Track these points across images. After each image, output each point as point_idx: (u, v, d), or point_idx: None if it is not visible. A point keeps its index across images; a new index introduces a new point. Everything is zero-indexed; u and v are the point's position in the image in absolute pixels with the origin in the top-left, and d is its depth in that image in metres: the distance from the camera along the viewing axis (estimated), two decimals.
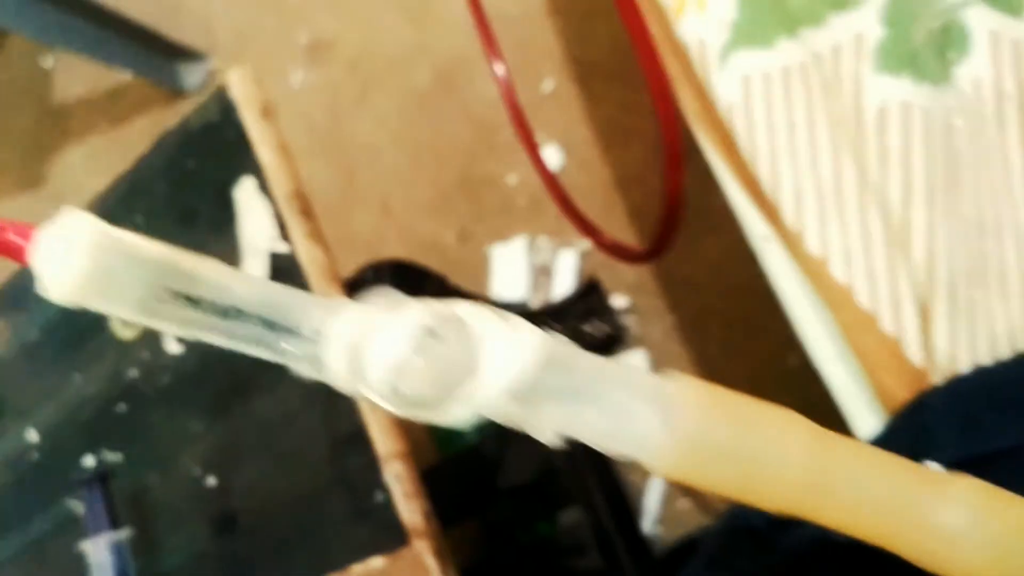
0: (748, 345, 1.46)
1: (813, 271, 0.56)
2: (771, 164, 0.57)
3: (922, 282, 0.53)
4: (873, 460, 0.34)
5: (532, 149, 0.56)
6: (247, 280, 0.35)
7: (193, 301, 0.34)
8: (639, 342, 1.52)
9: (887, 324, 0.54)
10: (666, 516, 1.46)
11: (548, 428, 0.34)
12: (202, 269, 0.34)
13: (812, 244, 0.56)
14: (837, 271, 0.56)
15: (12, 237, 0.33)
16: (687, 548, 0.64)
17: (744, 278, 1.48)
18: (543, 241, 1.61)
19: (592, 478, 1.38)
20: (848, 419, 0.58)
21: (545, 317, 1.53)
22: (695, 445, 0.33)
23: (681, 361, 1.49)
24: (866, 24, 0.57)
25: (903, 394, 0.54)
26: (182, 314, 0.34)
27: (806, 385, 1.41)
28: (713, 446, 0.34)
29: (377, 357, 0.33)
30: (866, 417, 0.57)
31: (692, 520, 1.43)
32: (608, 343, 1.52)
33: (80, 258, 0.31)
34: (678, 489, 1.46)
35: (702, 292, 1.50)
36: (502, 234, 1.63)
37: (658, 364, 1.50)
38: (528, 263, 1.60)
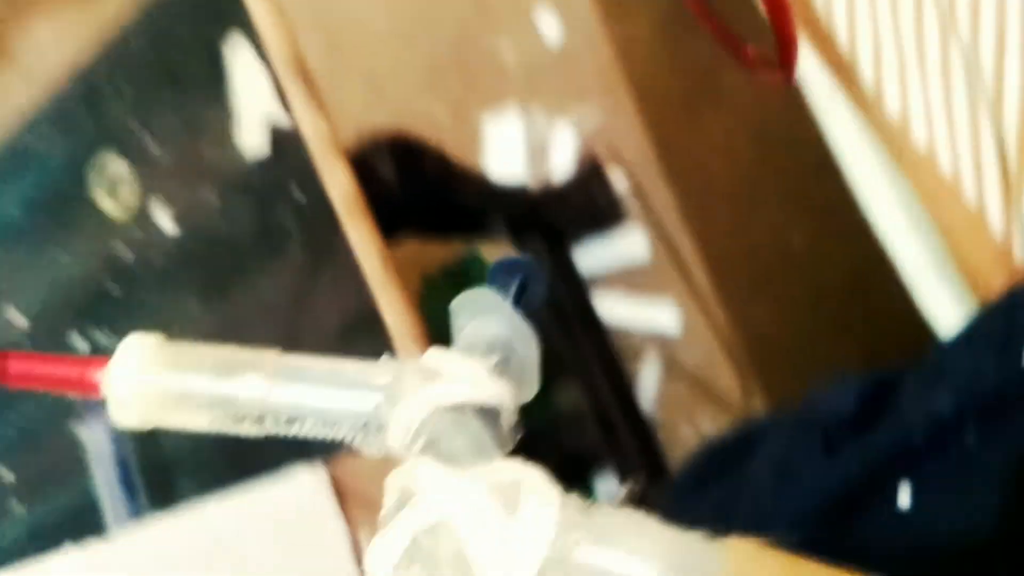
0: (752, 225, 1.42)
1: (891, 136, 0.52)
2: (848, 17, 0.52)
3: (1015, 146, 0.49)
4: None
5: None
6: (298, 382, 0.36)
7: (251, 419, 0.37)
8: (639, 221, 1.47)
9: (970, 193, 0.50)
10: (662, 399, 1.44)
11: None
12: (247, 390, 0.37)
13: (891, 106, 0.52)
14: (918, 135, 0.51)
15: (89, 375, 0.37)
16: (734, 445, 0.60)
17: (751, 155, 1.43)
18: (538, 112, 1.54)
19: (588, 348, 1.36)
20: (919, 295, 0.55)
21: (546, 204, 1.48)
22: None
23: (682, 240, 1.45)
24: None
25: (986, 267, 0.50)
26: (243, 427, 0.37)
27: (812, 266, 1.39)
28: None
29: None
30: (940, 294, 0.53)
31: (689, 406, 1.42)
32: (608, 221, 1.48)
33: (136, 393, 0.36)
34: (674, 373, 1.44)
35: (706, 169, 1.46)
36: (496, 108, 1.56)
37: (658, 244, 1.46)
38: (523, 136, 1.54)
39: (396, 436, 0.34)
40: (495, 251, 1.44)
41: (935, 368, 0.50)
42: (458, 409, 0.34)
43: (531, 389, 0.38)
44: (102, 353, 0.89)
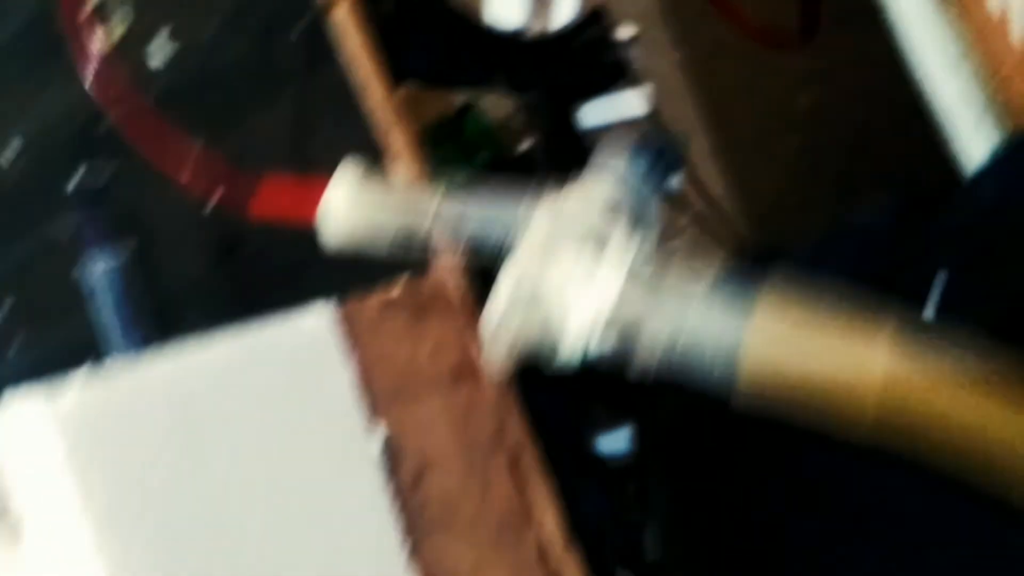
0: (758, 83, 1.38)
1: None
2: None
3: None
4: None
5: None
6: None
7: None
8: (644, 76, 1.43)
9: (1019, 30, 0.48)
10: None
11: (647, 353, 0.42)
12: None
13: None
14: None
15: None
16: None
17: (763, 12, 1.38)
18: None
19: None
20: (951, 134, 0.53)
21: (546, 53, 1.43)
22: (773, 346, 0.38)
23: (687, 98, 1.42)
24: None
25: None
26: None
27: (817, 126, 1.36)
28: (790, 350, 0.38)
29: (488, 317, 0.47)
30: (974, 134, 0.52)
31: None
32: (611, 77, 1.43)
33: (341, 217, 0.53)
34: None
35: (714, 25, 1.41)
36: None
37: (662, 101, 1.42)
38: None
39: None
40: (494, 103, 1.41)
41: (968, 190, 0.49)
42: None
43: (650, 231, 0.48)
44: (89, 189, 0.87)
